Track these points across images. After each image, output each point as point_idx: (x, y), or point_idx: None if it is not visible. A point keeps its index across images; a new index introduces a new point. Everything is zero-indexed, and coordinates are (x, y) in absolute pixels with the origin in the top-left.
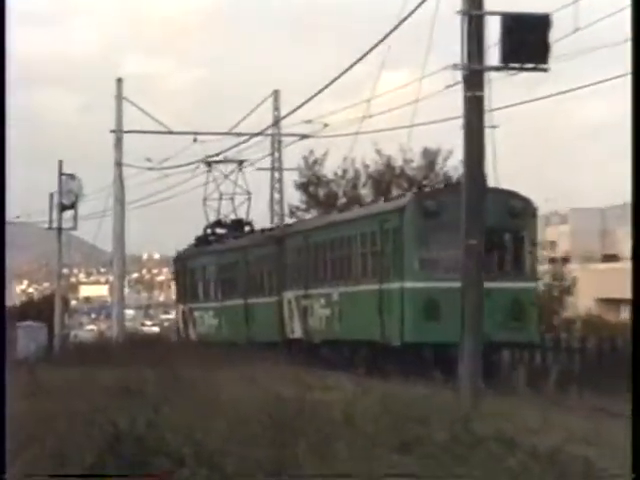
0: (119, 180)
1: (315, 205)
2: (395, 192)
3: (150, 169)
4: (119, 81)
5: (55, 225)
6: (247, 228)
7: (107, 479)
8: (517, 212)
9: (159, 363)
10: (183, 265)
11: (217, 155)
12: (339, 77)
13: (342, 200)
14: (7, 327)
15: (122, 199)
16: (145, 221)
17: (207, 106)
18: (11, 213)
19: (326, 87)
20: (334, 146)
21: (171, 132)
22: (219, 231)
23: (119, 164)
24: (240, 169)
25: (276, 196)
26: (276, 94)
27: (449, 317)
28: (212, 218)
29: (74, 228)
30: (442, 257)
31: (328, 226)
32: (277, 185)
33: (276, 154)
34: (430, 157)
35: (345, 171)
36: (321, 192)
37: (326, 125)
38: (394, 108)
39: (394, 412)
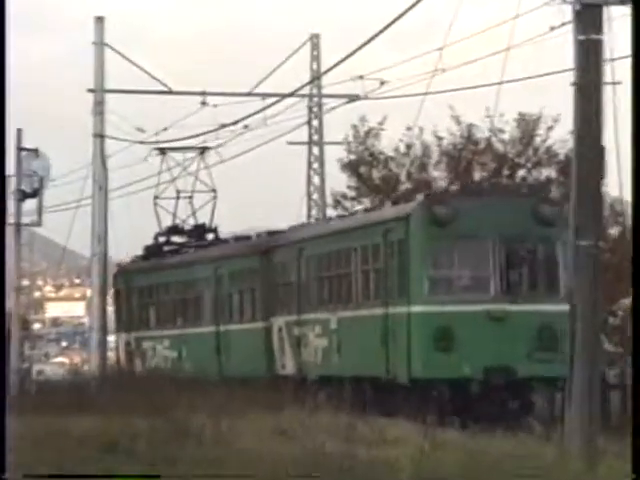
0: (100, 158)
1: (368, 192)
2: (478, 173)
3: (142, 143)
4: (99, 21)
5: (12, 220)
6: (211, 236)
7: (107, 479)
8: (547, 219)
9: (156, 409)
10: (127, 283)
11: (235, 123)
12: (402, 16)
13: (405, 185)
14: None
15: (104, 184)
16: (135, 214)
17: (219, 59)
18: None
19: (383, 31)
20: (395, 111)
21: (171, 92)
22: (176, 239)
23: (100, 136)
24: (202, 159)
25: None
26: (315, 40)
27: (466, 348)
28: (167, 222)
29: (38, 224)
30: (456, 275)
31: (324, 236)
32: (316, 165)
33: (315, 122)
34: (527, 126)
35: (410, 146)
36: (376, 174)
37: (383, 83)
38: (477, 59)
39: (477, 475)
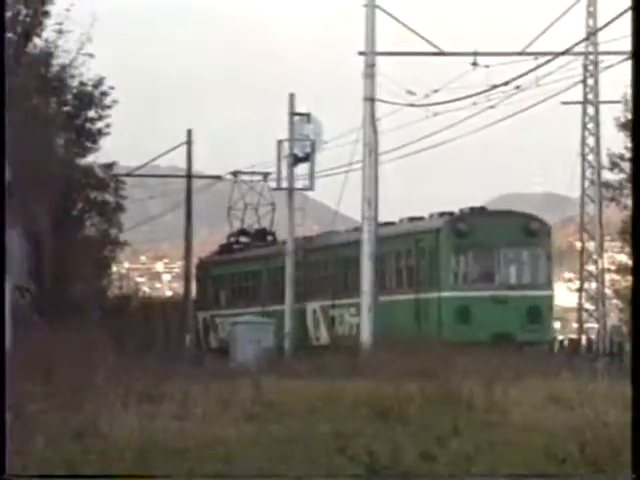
0: (370, 121)
1: None
2: None
3: (412, 105)
4: None
5: (285, 184)
6: (270, 238)
7: (106, 479)
8: (534, 232)
9: (425, 374)
10: (206, 273)
11: (507, 84)
12: None
13: None
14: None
15: (375, 147)
16: (404, 177)
17: (491, 18)
18: (231, 163)
19: None
20: None
21: (442, 53)
22: (243, 239)
23: (370, 99)
24: (265, 180)
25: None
26: None
27: (479, 321)
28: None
29: (310, 188)
30: (472, 271)
31: (355, 243)
32: (590, 125)
33: (590, 81)
34: None
35: None
36: None
37: None
38: None
39: None
